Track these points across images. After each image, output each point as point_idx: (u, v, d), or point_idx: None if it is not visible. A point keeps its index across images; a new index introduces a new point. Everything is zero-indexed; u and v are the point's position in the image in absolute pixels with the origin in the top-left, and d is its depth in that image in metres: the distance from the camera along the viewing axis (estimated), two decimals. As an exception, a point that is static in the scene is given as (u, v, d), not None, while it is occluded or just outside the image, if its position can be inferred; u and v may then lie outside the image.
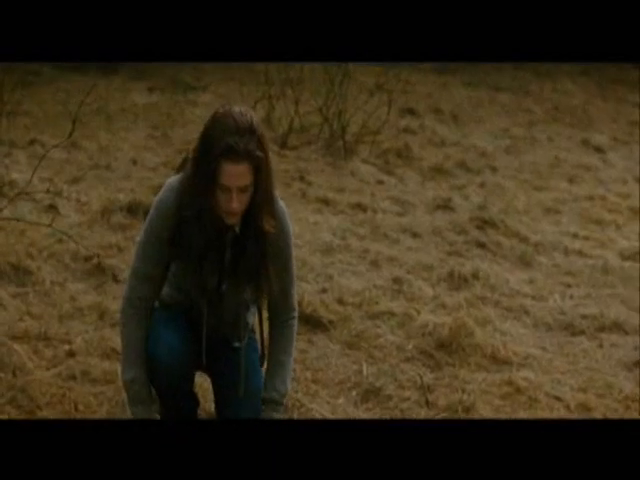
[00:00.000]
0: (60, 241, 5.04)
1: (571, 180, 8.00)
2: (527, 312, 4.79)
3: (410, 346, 4.24)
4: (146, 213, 5.85)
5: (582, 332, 4.60)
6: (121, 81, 9.88)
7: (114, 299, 4.56)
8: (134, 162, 7.03)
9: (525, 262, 5.67)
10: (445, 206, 6.65)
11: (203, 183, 2.83)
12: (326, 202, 6.45)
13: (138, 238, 3.08)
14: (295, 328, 3.18)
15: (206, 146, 2.82)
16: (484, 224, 6.17)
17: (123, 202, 5.74)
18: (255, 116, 2.84)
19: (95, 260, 4.91)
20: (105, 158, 7.05)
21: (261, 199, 2.88)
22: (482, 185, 7.49)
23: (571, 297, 5.12)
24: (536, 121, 10.31)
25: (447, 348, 4.19)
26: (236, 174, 2.79)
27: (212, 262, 2.98)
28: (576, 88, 12.18)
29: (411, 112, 9.76)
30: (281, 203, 3.03)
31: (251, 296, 3.09)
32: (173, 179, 3.01)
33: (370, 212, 6.33)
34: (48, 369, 3.81)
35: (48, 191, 5.17)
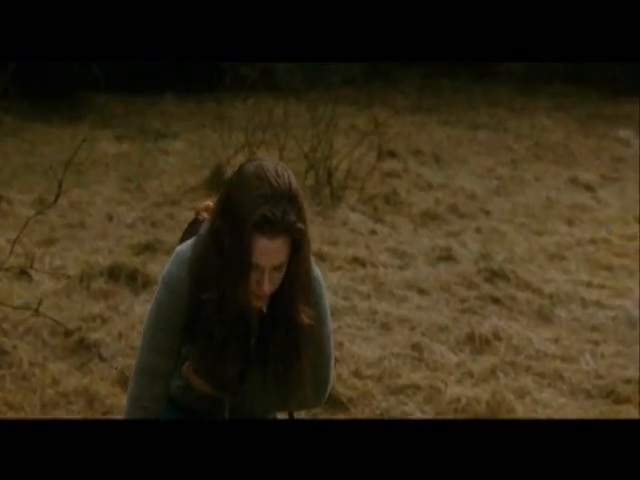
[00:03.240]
0: (36, 314, 4.49)
1: (569, 222, 7.62)
2: (562, 377, 4.34)
3: (444, 426, 3.76)
4: (129, 277, 5.34)
5: (627, 400, 4.15)
6: (87, 130, 9.35)
7: (102, 380, 4.05)
8: (109, 218, 6.52)
9: (544, 317, 5.24)
10: (447, 257, 6.21)
11: (231, 264, 2.24)
12: (322, 257, 5.97)
13: (143, 325, 2.46)
14: (324, 394, 2.50)
15: (233, 215, 2.20)
16: (493, 276, 5.73)
17: (103, 265, 5.22)
18: (292, 175, 2.23)
19: (76, 335, 4.40)
20: (78, 215, 6.52)
21: (297, 281, 2.30)
22: (478, 230, 7.11)
23: (602, 356, 4.68)
24: (519, 159, 10.00)
25: (487, 428, 3.71)
26: (271, 251, 2.21)
27: (234, 351, 2.41)
28: (553, 124, 11.93)
29: (392, 154, 9.36)
30: (316, 271, 2.42)
31: (279, 389, 2.52)
32: (183, 249, 2.40)
33: (370, 267, 5.86)
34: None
35: (31, 267, 4.62)
